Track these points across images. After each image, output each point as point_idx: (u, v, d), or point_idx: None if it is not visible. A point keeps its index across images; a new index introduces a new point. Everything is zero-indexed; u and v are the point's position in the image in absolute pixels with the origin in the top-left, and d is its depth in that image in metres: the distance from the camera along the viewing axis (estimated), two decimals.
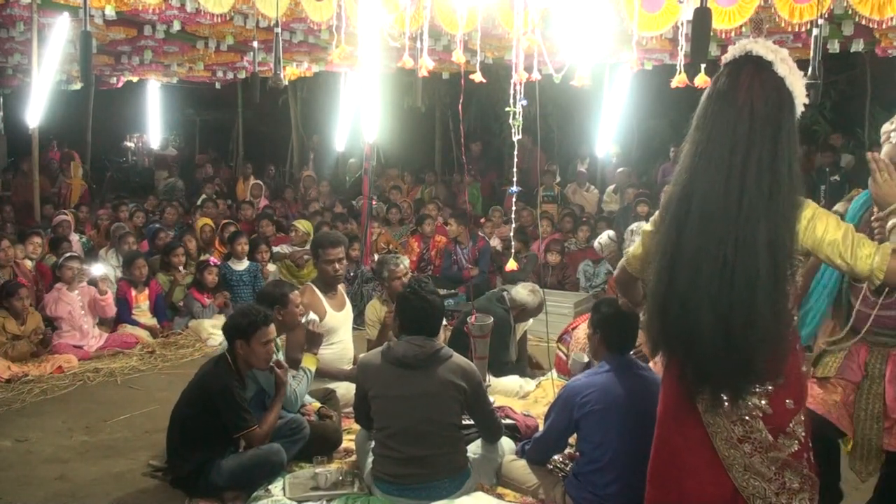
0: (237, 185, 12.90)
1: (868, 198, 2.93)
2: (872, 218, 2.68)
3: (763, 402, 2.25)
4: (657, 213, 2.44)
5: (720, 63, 2.35)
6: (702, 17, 3.73)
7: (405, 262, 5.30)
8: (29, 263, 6.80)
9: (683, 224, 2.22)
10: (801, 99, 2.24)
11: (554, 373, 5.07)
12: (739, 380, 2.21)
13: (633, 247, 2.60)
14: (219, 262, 7.38)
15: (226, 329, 3.84)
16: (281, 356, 4.22)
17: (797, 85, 2.23)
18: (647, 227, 2.51)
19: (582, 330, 4.72)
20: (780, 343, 2.20)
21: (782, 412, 2.27)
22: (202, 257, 7.70)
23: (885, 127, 2.91)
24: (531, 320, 5.41)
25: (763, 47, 2.24)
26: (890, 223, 2.27)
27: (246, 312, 3.81)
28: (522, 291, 5.16)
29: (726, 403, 2.25)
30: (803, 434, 2.30)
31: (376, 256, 8.18)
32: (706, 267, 2.17)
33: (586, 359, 3.99)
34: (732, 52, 2.28)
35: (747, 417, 2.26)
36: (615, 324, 3.33)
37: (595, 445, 3.30)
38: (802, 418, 2.31)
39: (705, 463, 2.32)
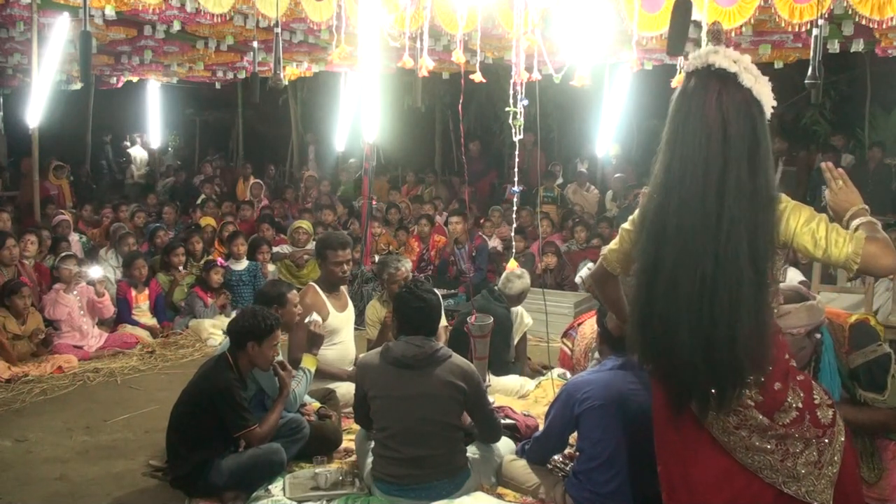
0: (237, 185, 12.90)
1: None
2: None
3: (753, 391, 2.29)
4: (636, 212, 2.45)
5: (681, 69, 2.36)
6: (682, 8, 3.66)
7: (407, 264, 5.27)
8: (27, 263, 6.80)
9: (661, 240, 2.23)
10: (768, 105, 2.24)
11: (554, 372, 5.07)
12: (725, 388, 2.23)
13: (611, 244, 2.62)
14: (226, 264, 7.37)
15: (236, 331, 3.77)
16: (281, 358, 4.22)
17: (764, 92, 2.22)
18: (625, 225, 2.52)
19: (588, 325, 4.73)
20: (765, 343, 2.22)
21: (773, 396, 2.30)
22: (206, 258, 7.71)
23: None
24: (530, 320, 5.42)
25: (724, 58, 2.20)
26: (853, 225, 2.29)
27: (261, 315, 3.77)
28: (512, 284, 5.19)
29: (714, 405, 2.28)
30: (801, 402, 2.33)
31: (377, 257, 8.20)
32: (684, 283, 2.17)
33: None
34: (694, 61, 2.26)
35: (740, 408, 2.30)
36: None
37: (595, 442, 3.30)
38: (797, 388, 2.34)
39: (706, 450, 2.37)
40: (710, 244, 2.15)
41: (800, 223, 2.21)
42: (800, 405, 2.32)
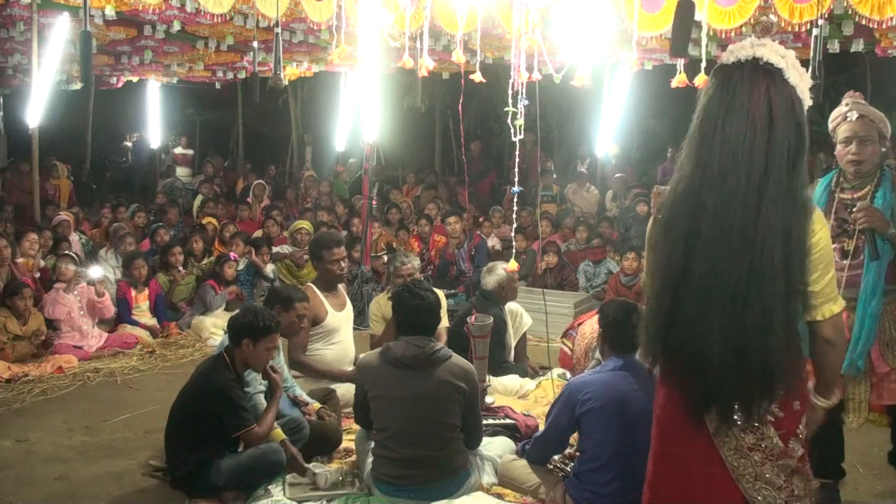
0: (237, 185, 12.89)
1: (829, 180, 3.37)
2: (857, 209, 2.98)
3: (774, 406, 2.17)
4: (650, 221, 2.29)
5: (718, 59, 2.22)
6: (684, 9, 3.66)
7: (415, 262, 5.29)
8: (40, 262, 6.79)
9: (692, 246, 2.08)
10: (807, 103, 2.14)
11: (554, 372, 5.07)
12: (756, 398, 2.13)
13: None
14: (238, 258, 7.50)
15: (235, 326, 3.76)
16: (282, 358, 4.22)
17: (805, 90, 2.13)
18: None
19: (588, 325, 4.73)
20: (797, 353, 2.14)
21: (791, 415, 2.20)
22: (207, 258, 7.72)
23: (836, 112, 3.31)
24: (530, 320, 5.42)
25: (772, 52, 2.09)
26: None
27: (261, 314, 3.78)
28: (485, 281, 5.21)
29: (737, 419, 2.16)
30: (806, 436, 2.25)
31: (385, 256, 8.21)
32: (716, 292, 2.05)
33: None
34: (737, 53, 2.13)
35: (758, 424, 2.18)
36: (618, 328, 3.37)
37: (596, 443, 3.31)
38: (805, 419, 2.26)
39: (711, 474, 2.23)
40: (747, 250, 2.02)
41: (816, 246, 2.11)
42: (803, 442, 2.23)
